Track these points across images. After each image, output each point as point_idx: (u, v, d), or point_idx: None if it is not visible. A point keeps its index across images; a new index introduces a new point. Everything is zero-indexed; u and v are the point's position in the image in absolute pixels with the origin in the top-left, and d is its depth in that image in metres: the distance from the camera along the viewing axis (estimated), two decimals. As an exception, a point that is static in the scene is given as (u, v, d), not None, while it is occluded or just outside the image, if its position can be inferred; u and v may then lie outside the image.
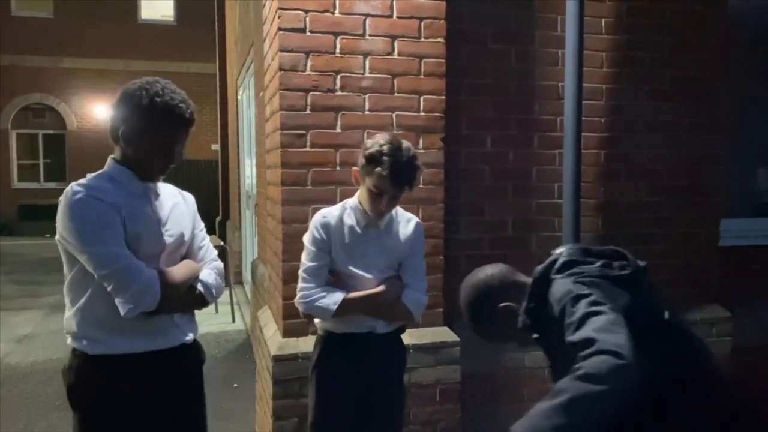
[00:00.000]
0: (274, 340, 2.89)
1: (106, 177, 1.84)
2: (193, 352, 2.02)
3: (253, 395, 3.68)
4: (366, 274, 2.22)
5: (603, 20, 3.27)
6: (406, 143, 2.15)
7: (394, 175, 2.06)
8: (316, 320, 2.32)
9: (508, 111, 3.19)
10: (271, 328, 3.05)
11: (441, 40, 2.89)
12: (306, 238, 2.26)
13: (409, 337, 2.87)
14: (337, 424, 2.26)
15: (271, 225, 3.22)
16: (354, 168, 2.20)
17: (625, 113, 3.33)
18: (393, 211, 2.27)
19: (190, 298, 1.93)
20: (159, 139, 1.82)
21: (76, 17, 16.23)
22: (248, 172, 6.79)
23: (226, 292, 6.68)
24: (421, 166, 2.17)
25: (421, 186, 2.90)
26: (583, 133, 3.08)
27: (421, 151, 2.89)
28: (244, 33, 6.43)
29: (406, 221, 2.32)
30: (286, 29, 2.71)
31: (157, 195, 1.94)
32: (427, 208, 2.92)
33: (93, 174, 1.85)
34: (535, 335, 1.62)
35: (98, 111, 16.95)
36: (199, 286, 1.94)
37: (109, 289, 1.74)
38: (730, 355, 3.46)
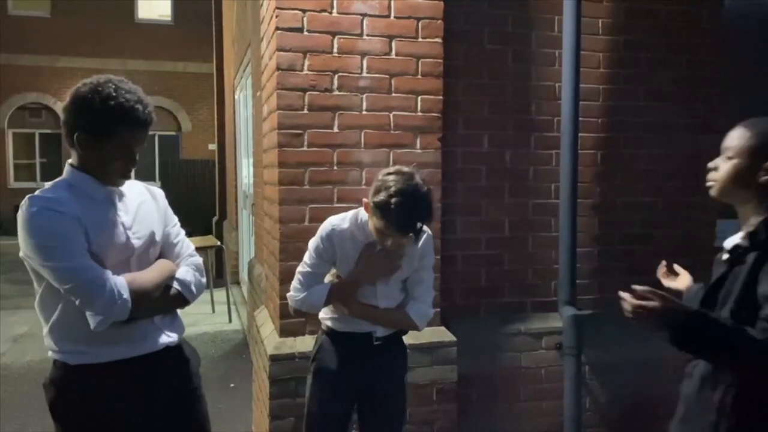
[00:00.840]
0: (270, 339, 2.89)
1: (64, 185, 1.77)
2: (177, 354, 1.96)
3: (250, 395, 3.68)
4: (371, 286, 2.21)
5: (600, 21, 3.28)
6: (419, 184, 2.00)
7: (402, 228, 1.99)
8: (321, 316, 2.31)
9: (505, 111, 3.20)
10: (268, 327, 3.05)
11: (438, 40, 2.89)
12: (311, 243, 2.23)
13: (406, 337, 2.86)
14: (328, 416, 2.25)
15: (268, 224, 3.22)
16: (365, 200, 2.08)
17: (622, 114, 3.34)
18: None
19: (167, 299, 1.87)
20: (116, 142, 1.73)
21: (73, 16, 16.20)
22: (245, 171, 6.79)
23: (222, 292, 6.69)
24: (432, 207, 2.07)
25: (418, 186, 2.90)
26: (579, 134, 3.11)
27: (419, 151, 2.90)
28: (241, 33, 6.43)
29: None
30: (283, 29, 2.71)
31: (120, 196, 1.86)
32: (424, 208, 2.92)
33: (51, 183, 1.78)
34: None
35: (95, 110, 16.91)
36: (176, 285, 1.88)
37: (77, 303, 1.68)
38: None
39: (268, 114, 3.04)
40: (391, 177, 2.00)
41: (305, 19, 2.73)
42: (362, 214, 2.17)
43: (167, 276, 1.87)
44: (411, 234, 2.01)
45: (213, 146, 11.56)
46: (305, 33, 2.73)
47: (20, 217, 1.68)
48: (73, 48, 16.24)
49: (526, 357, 3.21)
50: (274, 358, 2.73)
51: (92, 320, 1.68)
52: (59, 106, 16.72)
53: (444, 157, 2.96)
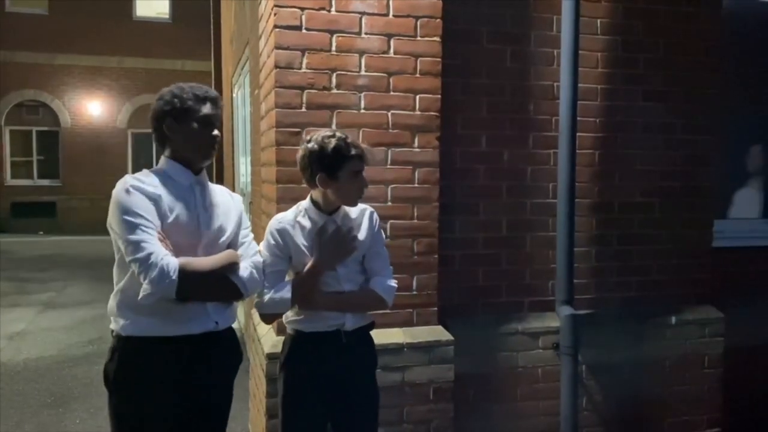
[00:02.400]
0: (267, 338, 2.88)
1: (157, 171, 2.06)
2: (226, 343, 2.15)
3: (247, 393, 3.68)
4: (332, 272, 2.22)
5: (599, 20, 3.28)
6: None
7: (356, 147, 2.16)
8: (285, 319, 2.31)
9: (504, 110, 3.20)
10: (265, 326, 3.04)
11: (437, 39, 2.89)
12: (263, 245, 2.25)
13: (403, 336, 2.88)
14: (305, 422, 2.25)
15: (265, 223, 3.21)
16: (319, 176, 2.14)
17: (620, 114, 3.34)
18: (343, 207, 2.27)
19: (221, 288, 2.04)
20: (196, 124, 2.02)
21: (70, 14, 16.16)
22: (243, 170, 6.78)
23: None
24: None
25: (416, 185, 2.91)
26: (577, 134, 3.11)
27: (417, 150, 2.89)
28: (239, 30, 6.42)
29: (359, 212, 2.31)
30: (281, 27, 2.71)
31: (204, 188, 2.11)
32: (422, 207, 2.92)
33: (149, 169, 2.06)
34: None
35: (92, 108, 16.90)
36: (233, 278, 2.04)
37: (135, 275, 1.88)
38: (723, 355, 3.48)
39: (266, 112, 3.03)
40: (313, 136, 2.19)
41: (303, 17, 2.72)
42: (303, 203, 2.27)
43: (224, 265, 2.03)
44: (365, 154, 2.19)
45: (211, 144, 11.54)
46: (303, 31, 2.73)
47: (113, 193, 1.94)
48: (70, 45, 16.22)
49: (523, 356, 3.21)
50: (271, 357, 2.72)
51: (141, 292, 1.87)
52: (56, 104, 16.72)
53: (442, 157, 2.96)
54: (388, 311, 2.88)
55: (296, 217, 2.25)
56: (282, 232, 2.22)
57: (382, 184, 2.86)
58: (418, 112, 2.89)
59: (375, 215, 2.34)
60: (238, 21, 6.55)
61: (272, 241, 2.22)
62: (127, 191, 1.92)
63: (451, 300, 3.14)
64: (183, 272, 1.88)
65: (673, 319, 3.42)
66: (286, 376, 2.28)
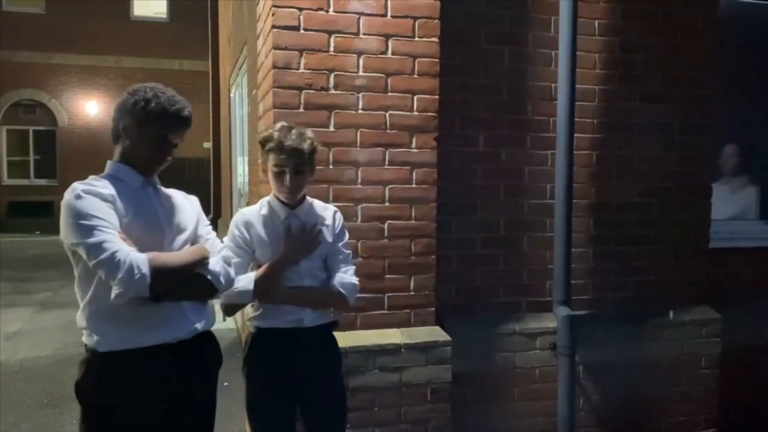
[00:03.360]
0: (265, 338, 2.88)
1: (104, 175, 1.95)
2: (207, 345, 2.05)
3: (243, 394, 3.67)
4: (295, 266, 2.26)
5: (596, 22, 3.28)
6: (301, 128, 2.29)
7: (285, 142, 2.18)
8: (246, 317, 2.35)
9: (501, 111, 3.20)
10: (263, 326, 3.04)
11: (435, 39, 2.89)
12: (226, 238, 2.28)
13: (400, 336, 2.88)
14: (272, 418, 2.29)
15: (263, 223, 3.21)
16: (259, 162, 2.30)
17: (617, 114, 3.34)
18: (311, 203, 2.35)
19: (195, 284, 1.95)
20: (151, 132, 1.93)
21: (68, 13, 16.14)
22: (240, 170, 6.77)
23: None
24: (311, 138, 2.26)
25: (413, 185, 2.91)
26: (575, 134, 3.11)
27: (415, 150, 2.89)
28: (237, 30, 6.41)
29: (323, 210, 2.37)
30: (279, 27, 2.71)
31: (156, 187, 2.02)
32: (420, 208, 2.92)
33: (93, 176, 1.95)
34: None
35: (89, 108, 16.87)
36: (204, 272, 1.95)
37: (103, 277, 1.78)
38: (720, 355, 3.49)
39: (264, 112, 3.03)
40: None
41: (302, 17, 2.72)
42: (266, 198, 2.35)
43: (195, 259, 1.95)
44: (299, 155, 2.20)
45: (208, 144, 11.56)
46: (301, 31, 2.73)
47: (62, 203, 1.82)
48: (68, 45, 16.20)
49: (520, 357, 3.22)
50: (269, 357, 2.72)
51: (112, 293, 1.76)
52: (53, 103, 16.69)
53: (440, 157, 2.96)
54: (385, 311, 2.90)
55: (260, 211, 2.32)
56: (247, 225, 2.28)
57: (380, 184, 2.86)
58: (416, 113, 2.89)
59: (338, 215, 2.40)
60: (236, 21, 6.54)
61: (237, 233, 2.27)
62: (78, 196, 1.80)
63: (449, 300, 3.14)
64: (152, 266, 1.78)
65: (670, 320, 3.43)
66: (248, 374, 2.33)
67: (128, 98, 1.94)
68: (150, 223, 1.94)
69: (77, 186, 1.83)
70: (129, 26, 16.94)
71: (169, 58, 16.67)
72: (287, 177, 2.20)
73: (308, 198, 2.37)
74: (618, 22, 3.32)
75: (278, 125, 2.26)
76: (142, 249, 1.83)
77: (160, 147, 1.95)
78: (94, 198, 1.81)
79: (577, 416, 3.19)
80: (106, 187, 1.87)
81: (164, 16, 17.49)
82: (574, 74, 3.06)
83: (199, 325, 1.98)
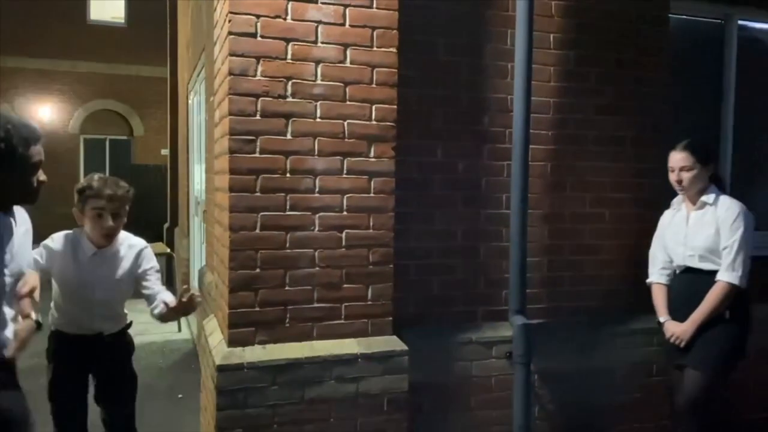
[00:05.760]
0: (219, 349, 2.82)
1: None
2: None
3: (199, 406, 3.59)
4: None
5: (551, 35, 3.35)
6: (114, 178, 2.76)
7: (103, 189, 2.64)
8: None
9: (459, 122, 3.23)
10: (217, 337, 2.98)
11: (393, 49, 2.90)
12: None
13: (357, 346, 2.86)
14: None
15: (218, 232, 3.16)
16: (73, 210, 2.72)
17: (572, 127, 3.41)
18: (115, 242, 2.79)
19: None
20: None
21: (21, 15, 15.67)
22: (197, 177, 6.67)
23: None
24: (126, 187, 2.74)
25: (371, 195, 2.90)
26: (530, 146, 3.16)
27: (372, 159, 2.89)
28: (195, 36, 6.33)
29: (127, 248, 2.84)
30: (236, 33, 2.68)
31: None
32: (378, 217, 2.91)
33: None
34: None
35: (43, 113, 16.39)
36: None
37: None
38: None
39: (220, 119, 2.99)
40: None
41: (259, 24, 2.70)
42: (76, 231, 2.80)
43: None
44: (120, 200, 2.68)
45: (166, 151, 11.34)
46: (259, 38, 2.70)
47: None
48: (20, 48, 15.69)
49: (477, 366, 3.23)
50: (222, 369, 2.67)
51: None
52: (5, 108, 16.14)
53: (398, 166, 2.96)
54: (342, 321, 2.88)
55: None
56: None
57: (338, 193, 2.85)
58: (374, 122, 2.89)
59: (145, 250, 2.88)
60: (195, 27, 6.46)
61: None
62: None
63: (406, 310, 3.14)
64: None
65: (623, 328, 3.49)
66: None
67: None
68: None
69: None
70: (85, 30, 16.51)
71: (127, 63, 16.33)
72: (107, 219, 2.67)
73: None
74: (573, 36, 3.39)
75: (95, 179, 2.71)
76: None
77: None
78: None
79: (532, 425, 3.21)
80: None
81: (122, 20, 17.11)
82: (530, 87, 3.11)
83: None
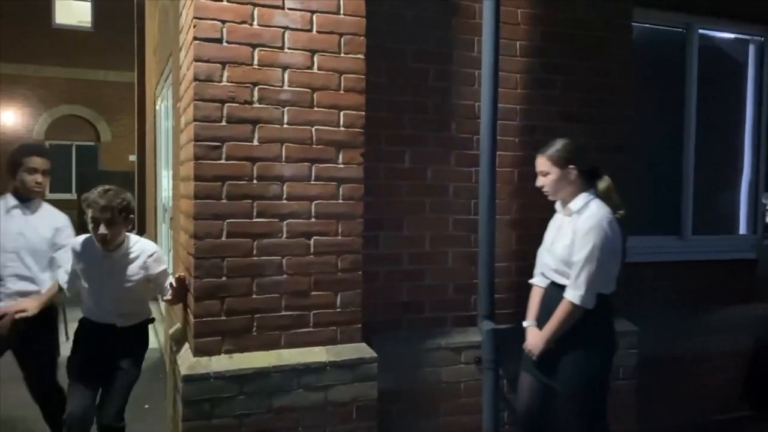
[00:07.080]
0: (185, 359, 2.78)
1: None
2: None
3: (166, 416, 3.53)
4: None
5: (518, 43, 3.38)
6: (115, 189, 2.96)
7: (96, 200, 2.84)
8: None
9: (427, 128, 3.24)
10: (183, 346, 2.94)
11: (361, 56, 2.90)
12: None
13: (326, 354, 2.84)
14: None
15: (183, 239, 3.11)
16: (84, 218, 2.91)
17: (538, 133, 3.44)
18: (124, 244, 3.00)
19: None
20: None
21: (-17, 18, 15.33)
22: (165, 184, 6.57)
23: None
24: (120, 197, 2.93)
25: (340, 201, 2.89)
26: (498, 152, 3.18)
27: (341, 165, 2.88)
28: (163, 41, 6.25)
29: (138, 251, 3.05)
30: (201, 39, 2.65)
31: None
32: (347, 223, 2.90)
33: None
34: None
35: (6, 118, 16.03)
36: None
37: None
38: (637, 366, 3.61)
39: (185, 125, 2.95)
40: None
41: (224, 29, 2.67)
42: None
43: None
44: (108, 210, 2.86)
45: (133, 157, 11.16)
46: (224, 44, 2.68)
47: None
48: (-18, 51, 15.36)
49: (446, 372, 3.23)
50: (188, 379, 2.62)
51: None
52: (-35, 113, 15.72)
53: (366, 173, 2.95)
54: (311, 329, 2.85)
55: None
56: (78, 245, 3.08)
57: (306, 200, 2.83)
58: (342, 128, 2.88)
59: (154, 255, 3.08)
60: (162, 32, 6.38)
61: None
62: None
63: (376, 316, 3.13)
64: None
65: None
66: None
67: None
68: None
69: None
70: (51, 34, 16.22)
71: (94, 68, 16.08)
72: (101, 227, 2.86)
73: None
74: (539, 43, 3.43)
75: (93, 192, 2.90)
76: None
77: None
78: None
79: (501, 429, 3.22)
80: None
81: (88, 24, 16.85)
82: (497, 94, 3.13)
83: None
